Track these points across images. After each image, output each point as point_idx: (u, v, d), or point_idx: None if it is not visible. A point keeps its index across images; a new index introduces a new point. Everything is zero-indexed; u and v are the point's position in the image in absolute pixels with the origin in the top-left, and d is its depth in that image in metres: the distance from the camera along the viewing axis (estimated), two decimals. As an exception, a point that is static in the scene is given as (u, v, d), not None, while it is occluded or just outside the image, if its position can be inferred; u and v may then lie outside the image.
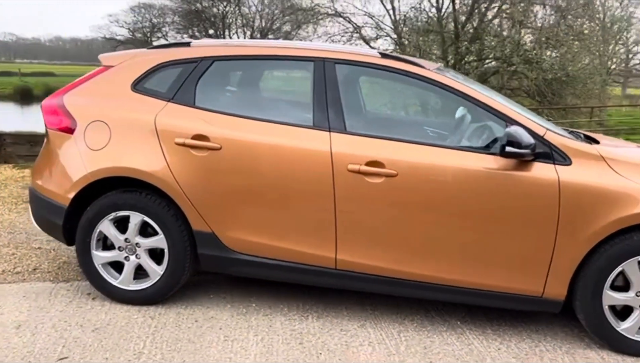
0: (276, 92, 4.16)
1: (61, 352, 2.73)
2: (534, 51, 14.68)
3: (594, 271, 2.86)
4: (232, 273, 3.26)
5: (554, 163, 2.87)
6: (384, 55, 3.21)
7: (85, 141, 3.16)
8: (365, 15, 18.99)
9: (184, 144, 3.06)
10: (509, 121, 2.94)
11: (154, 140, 3.09)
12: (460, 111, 3.40)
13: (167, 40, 39.40)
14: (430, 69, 3.16)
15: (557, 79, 14.61)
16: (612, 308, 2.92)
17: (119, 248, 3.20)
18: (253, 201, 3.07)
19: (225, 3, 36.19)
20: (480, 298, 3.00)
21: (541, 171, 2.85)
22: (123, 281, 3.22)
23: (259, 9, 35.95)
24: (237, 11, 37.00)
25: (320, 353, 2.82)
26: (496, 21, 17.13)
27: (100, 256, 3.22)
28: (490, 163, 2.89)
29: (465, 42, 15.82)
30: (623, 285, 2.90)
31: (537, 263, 2.89)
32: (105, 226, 3.17)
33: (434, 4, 17.22)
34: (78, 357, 2.69)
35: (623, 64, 32.66)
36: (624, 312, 2.95)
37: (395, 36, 18.44)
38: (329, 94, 3.08)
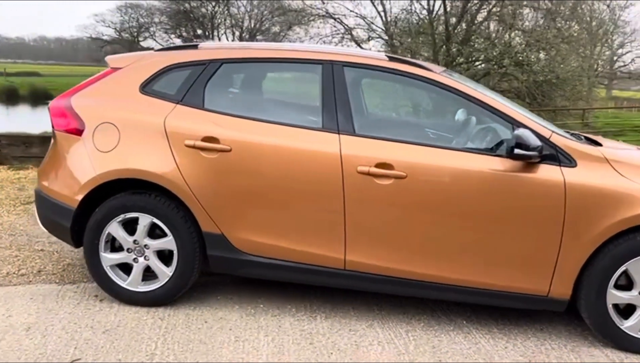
0: (285, 94, 4.18)
1: (73, 353, 2.73)
2: (524, 53, 14.85)
3: (598, 271, 2.92)
4: (242, 274, 3.28)
5: (560, 165, 2.93)
6: (391, 58, 3.26)
7: (94, 142, 3.17)
8: (357, 16, 19.07)
9: (194, 146, 3.07)
10: (516, 123, 2.99)
11: (164, 142, 3.10)
12: (460, 113, 3.46)
13: (155, 40, 39.24)
14: (438, 72, 3.21)
15: (548, 81, 14.81)
16: (616, 306, 2.98)
17: (128, 249, 3.20)
18: (262, 202, 3.09)
19: (213, 3, 36.09)
20: (489, 297, 3.05)
21: (547, 172, 2.91)
22: (131, 282, 3.22)
23: (248, 10, 35.92)
24: (226, 11, 36.94)
25: (332, 353, 2.85)
26: (487, 24, 17.29)
27: (108, 258, 3.22)
28: (496, 164, 2.94)
29: (456, 44, 15.96)
30: (626, 284, 2.97)
31: (543, 263, 2.95)
32: (114, 228, 3.17)
33: (425, 6, 17.35)
34: (91, 358, 2.69)
35: (607, 66, 33.12)
36: (627, 311, 3.02)
37: (387, 38, 18.53)
38: (338, 96, 3.11)
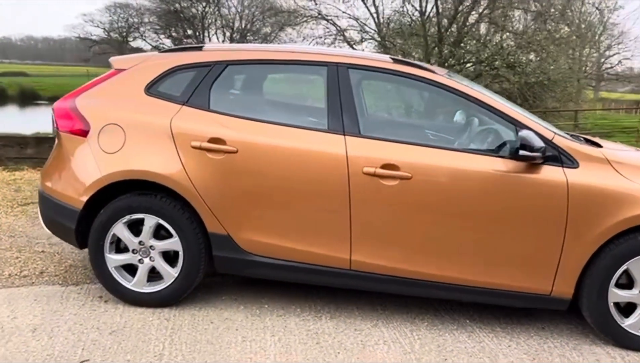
0: (290, 96, 4.21)
1: (81, 354, 2.73)
2: (516, 55, 14.99)
3: (600, 270, 2.97)
4: (247, 275, 3.29)
5: (562, 166, 2.98)
6: (395, 60, 3.29)
7: (99, 143, 3.17)
8: (350, 18, 19.12)
9: (200, 148, 3.08)
10: (519, 125, 3.04)
11: (170, 143, 3.11)
12: (458, 114, 3.50)
13: (144, 40, 38.98)
14: (441, 74, 3.24)
15: (539, 82, 14.95)
16: (617, 305, 3.04)
17: (133, 250, 3.20)
18: (268, 203, 3.11)
19: (204, 4, 35.91)
20: (494, 297, 3.09)
21: (550, 173, 2.96)
22: (137, 283, 3.23)
23: (239, 10, 35.79)
24: (217, 12, 36.76)
25: (338, 353, 2.88)
26: (479, 26, 17.41)
27: (113, 259, 3.22)
28: (500, 165, 2.98)
29: (448, 46, 16.07)
30: (627, 282, 3.03)
31: (546, 263, 3.00)
32: (119, 229, 3.17)
33: (417, 7, 17.44)
34: (100, 359, 2.69)
35: (595, 68, 33.48)
36: (627, 309, 3.07)
37: (379, 39, 18.60)
38: (343, 98, 3.14)
